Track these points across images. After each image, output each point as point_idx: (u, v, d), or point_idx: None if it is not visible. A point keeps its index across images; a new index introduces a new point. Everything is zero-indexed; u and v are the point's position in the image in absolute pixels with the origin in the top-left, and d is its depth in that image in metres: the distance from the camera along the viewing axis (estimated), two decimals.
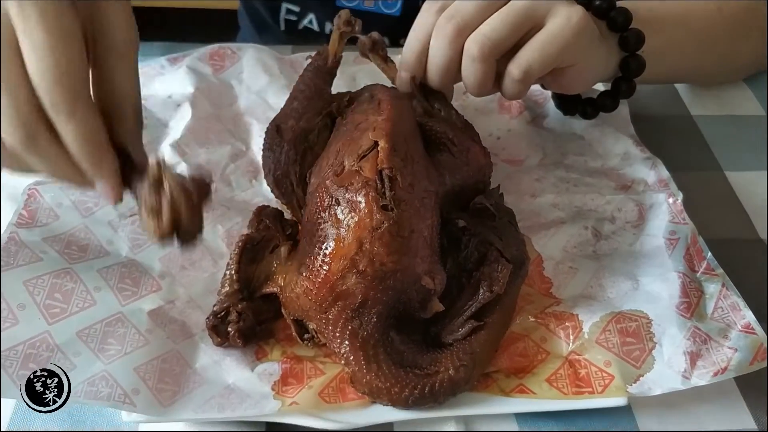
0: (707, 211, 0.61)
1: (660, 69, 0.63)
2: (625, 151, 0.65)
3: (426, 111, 0.55)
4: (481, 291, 0.49)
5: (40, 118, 0.37)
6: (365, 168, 0.47)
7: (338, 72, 0.69)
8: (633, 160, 0.64)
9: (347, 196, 0.46)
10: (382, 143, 0.48)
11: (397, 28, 0.67)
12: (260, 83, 0.70)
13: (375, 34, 0.60)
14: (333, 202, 0.47)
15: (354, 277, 0.45)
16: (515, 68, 0.53)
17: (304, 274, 0.47)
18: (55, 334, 0.47)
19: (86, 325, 0.48)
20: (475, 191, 0.55)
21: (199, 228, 0.43)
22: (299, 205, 0.55)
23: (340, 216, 0.46)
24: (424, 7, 0.56)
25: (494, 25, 0.52)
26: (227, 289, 0.50)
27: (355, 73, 0.70)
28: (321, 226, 0.47)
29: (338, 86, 0.69)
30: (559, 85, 0.58)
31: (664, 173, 0.62)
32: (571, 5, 0.54)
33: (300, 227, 0.53)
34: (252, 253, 0.52)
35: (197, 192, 0.42)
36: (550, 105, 0.70)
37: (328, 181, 0.48)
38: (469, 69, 0.54)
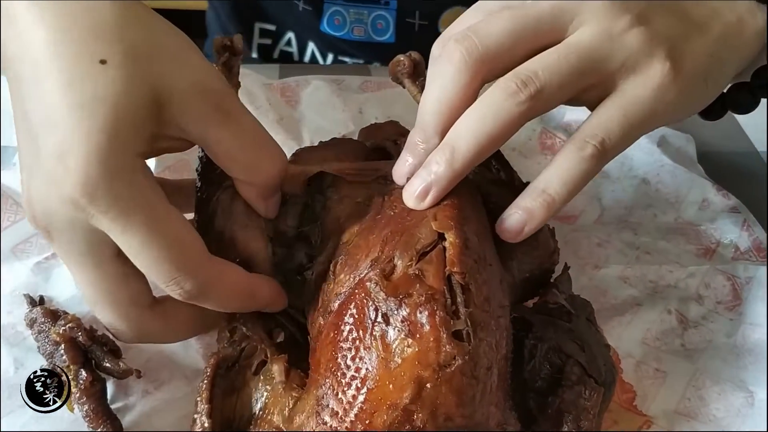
0: None
1: None
2: (703, 198, 0.53)
3: (481, 172, 0.41)
4: (565, 428, 0.36)
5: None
6: (428, 272, 0.33)
7: (340, 102, 0.54)
8: (715, 212, 0.52)
9: (402, 312, 0.32)
10: (451, 237, 0.33)
11: (393, 57, 0.49)
12: None
13: (416, 54, 0.45)
14: (379, 318, 0.32)
15: None
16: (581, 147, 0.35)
17: (327, 422, 0.33)
18: None
19: None
20: (539, 280, 0.41)
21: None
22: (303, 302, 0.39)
23: (390, 340, 0.32)
24: (436, 50, 0.39)
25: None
26: None
27: (362, 104, 0.55)
28: (359, 353, 0.32)
29: (341, 121, 0.54)
30: None
31: (762, 235, 0.50)
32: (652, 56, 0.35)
33: (311, 339, 0.38)
34: (228, 381, 0.37)
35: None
36: None
37: (370, 284, 0.33)
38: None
